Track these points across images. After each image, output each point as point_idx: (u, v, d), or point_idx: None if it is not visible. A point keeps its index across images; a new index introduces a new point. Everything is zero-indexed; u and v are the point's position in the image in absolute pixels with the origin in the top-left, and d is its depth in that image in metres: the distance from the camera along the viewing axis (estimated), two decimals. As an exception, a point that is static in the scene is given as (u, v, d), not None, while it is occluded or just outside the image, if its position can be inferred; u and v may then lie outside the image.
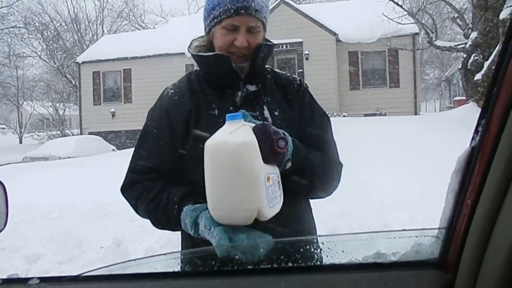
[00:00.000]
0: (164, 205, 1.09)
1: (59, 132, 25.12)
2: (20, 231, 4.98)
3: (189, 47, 1.30)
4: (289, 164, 1.01)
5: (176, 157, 1.19)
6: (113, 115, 19.54)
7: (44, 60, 30.28)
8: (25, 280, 0.68)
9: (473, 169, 0.54)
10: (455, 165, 0.57)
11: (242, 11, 1.13)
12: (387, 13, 13.63)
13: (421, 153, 7.36)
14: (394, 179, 6.16)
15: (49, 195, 7.05)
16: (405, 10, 14.10)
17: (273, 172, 0.94)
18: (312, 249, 0.78)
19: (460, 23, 13.95)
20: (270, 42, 1.26)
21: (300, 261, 0.73)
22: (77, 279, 0.68)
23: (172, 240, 4.24)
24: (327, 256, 0.72)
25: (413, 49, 15.95)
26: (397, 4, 13.63)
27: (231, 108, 1.19)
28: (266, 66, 1.31)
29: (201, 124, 1.16)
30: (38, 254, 4.30)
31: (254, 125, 0.95)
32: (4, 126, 43.54)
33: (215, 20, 1.18)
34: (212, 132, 0.95)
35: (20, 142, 33.12)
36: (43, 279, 0.67)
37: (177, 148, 1.19)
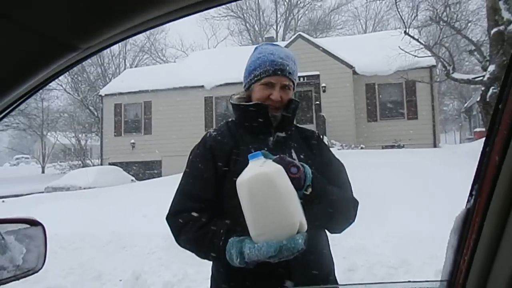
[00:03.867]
0: (210, 236, 1.22)
1: (80, 162, 25.66)
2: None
3: (230, 98, 1.55)
4: (309, 190, 1.18)
5: (217, 190, 1.35)
6: (133, 146, 19.93)
7: (69, 93, 31.33)
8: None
9: (469, 229, 0.60)
10: (453, 224, 0.63)
11: (279, 72, 1.40)
12: (404, 46, 13.78)
13: (440, 187, 7.27)
14: (412, 214, 6.09)
15: (69, 225, 7.18)
16: (422, 44, 14.22)
17: (297, 194, 1.12)
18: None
19: (478, 56, 13.95)
20: (297, 100, 1.51)
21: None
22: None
23: (189, 274, 4.28)
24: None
25: (431, 82, 15.98)
26: (413, 38, 13.77)
27: (266, 149, 1.35)
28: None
29: (240, 162, 1.32)
30: (59, 286, 4.38)
31: (273, 158, 1.14)
32: (28, 156, 44.72)
33: (256, 78, 1.44)
34: None
35: (43, 171, 33.84)
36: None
37: (219, 182, 1.36)
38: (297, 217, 1.03)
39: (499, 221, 0.55)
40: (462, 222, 0.62)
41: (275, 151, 1.35)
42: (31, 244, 1.12)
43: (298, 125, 1.60)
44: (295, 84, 1.49)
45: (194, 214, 1.31)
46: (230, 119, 1.57)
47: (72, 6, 0.46)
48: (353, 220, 1.40)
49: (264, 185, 1.03)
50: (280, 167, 1.08)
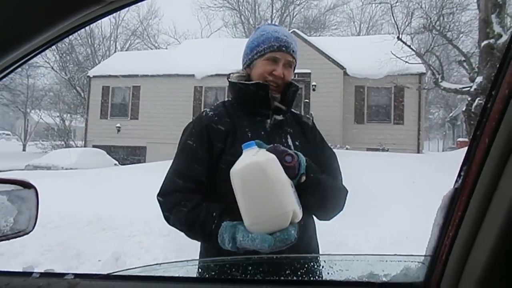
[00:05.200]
0: (203, 218, 1.20)
1: (63, 142, 25.32)
2: (19, 238, 5.03)
3: (228, 77, 1.51)
4: (303, 178, 1.17)
5: (211, 171, 1.33)
6: (118, 130, 19.73)
7: (56, 71, 30.78)
8: (61, 275, 0.77)
9: (455, 207, 0.64)
10: (440, 202, 0.67)
11: (284, 48, 1.40)
12: (395, 51, 13.94)
13: (422, 191, 7.41)
14: (393, 215, 6.21)
15: (49, 204, 7.09)
16: (413, 50, 14.40)
17: (291, 182, 1.13)
18: (315, 266, 0.89)
19: (467, 66, 14.20)
20: (297, 84, 1.49)
21: (303, 275, 0.83)
22: (108, 277, 0.77)
23: (169, 258, 4.29)
24: (328, 273, 0.82)
25: (419, 88, 16.21)
26: (405, 44, 13.94)
27: (262, 133, 1.38)
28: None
29: (237, 145, 1.30)
30: (36, 262, 4.35)
31: (267, 147, 1.14)
32: (9, 133, 43.89)
33: (258, 54, 1.42)
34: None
35: (24, 149, 33.31)
36: (77, 275, 0.77)
37: (213, 162, 1.34)
38: (290, 206, 1.03)
39: (484, 198, 0.59)
40: (449, 201, 0.66)
41: (272, 134, 1.38)
42: (23, 206, 1.12)
43: (292, 110, 1.57)
44: (296, 64, 1.48)
45: (187, 194, 1.29)
46: (226, 99, 1.54)
47: None
48: (342, 209, 1.40)
49: (257, 175, 1.03)
50: (273, 156, 1.08)
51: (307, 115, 1.63)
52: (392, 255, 0.75)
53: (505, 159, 0.57)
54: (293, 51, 1.42)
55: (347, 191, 1.43)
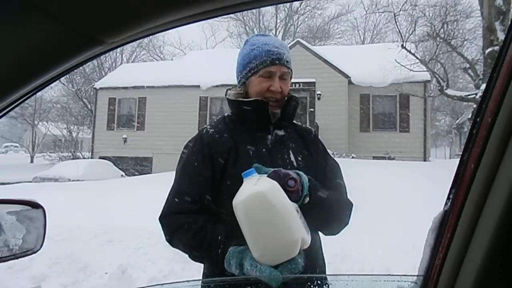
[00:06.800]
0: (208, 242, 1.18)
1: (70, 154, 25.49)
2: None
3: (226, 94, 1.49)
4: (307, 199, 1.15)
5: (215, 189, 1.31)
6: (124, 141, 19.87)
7: (63, 84, 31.07)
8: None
9: (445, 229, 0.67)
10: (431, 224, 0.70)
11: (277, 61, 1.36)
12: (400, 59, 13.97)
13: (428, 199, 7.38)
14: (399, 225, 6.18)
15: (57, 216, 7.14)
16: (418, 58, 14.42)
17: (297, 206, 1.09)
18: (312, 286, 0.90)
19: (472, 73, 14.19)
20: (297, 97, 1.46)
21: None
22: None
23: (175, 270, 4.31)
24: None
25: (424, 96, 16.19)
26: (410, 52, 13.97)
27: (264, 150, 1.36)
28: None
29: (239, 163, 1.30)
30: (44, 275, 4.38)
31: (267, 173, 1.11)
32: (17, 145, 44.28)
33: (252, 71, 1.38)
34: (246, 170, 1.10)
35: (32, 161, 33.56)
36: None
37: (216, 180, 1.32)
38: (298, 233, 0.99)
39: (471, 222, 0.61)
40: (439, 223, 0.69)
41: (274, 151, 1.36)
42: (31, 226, 1.16)
43: (295, 122, 1.54)
44: (292, 73, 1.44)
45: (190, 216, 1.27)
46: (226, 114, 1.51)
47: (100, 1, 0.52)
48: (348, 223, 1.36)
49: (261, 205, 0.98)
50: (275, 183, 1.04)
51: (309, 127, 1.58)
52: (385, 275, 0.77)
53: (489, 184, 0.59)
54: (286, 61, 1.38)
55: (352, 205, 1.39)
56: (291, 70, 1.42)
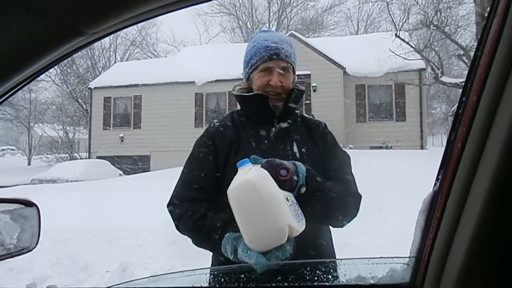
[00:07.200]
0: (207, 228, 1.25)
1: (67, 155, 25.45)
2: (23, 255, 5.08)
3: (232, 89, 1.55)
4: (303, 189, 1.17)
5: (216, 181, 1.38)
6: (121, 140, 19.82)
7: (57, 85, 30.97)
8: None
9: (434, 209, 0.67)
10: (421, 205, 0.70)
11: (274, 57, 1.40)
12: (394, 49, 13.94)
13: (426, 187, 7.40)
14: (398, 213, 6.21)
15: (56, 217, 7.15)
16: (412, 47, 14.40)
17: (290, 195, 1.12)
18: (305, 271, 0.91)
19: (466, 60, 14.18)
20: (302, 88, 1.49)
21: (294, 282, 0.85)
22: (108, 291, 0.80)
23: (176, 267, 4.32)
24: (315, 277, 0.84)
25: (420, 84, 16.18)
26: (404, 40, 13.94)
27: (266, 141, 1.41)
28: (296, 111, 1.53)
29: (240, 154, 1.36)
30: (45, 276, 4.39)
31: (262, 163, 1.14)
32: (14, 148, 44.14)
33: (253, 67, 1.45)
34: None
35: (29, 163, 33.47)
36: (78, 290, 0.80)
37: (219, 172, 1.39)
38: (285, 221, 1.01)
39: (459, 201, 0.62)
40: (429, 204, 0.69)
41: (276, 143, 1.40)
42: (25, 224, 1.16)
43: (305, 115, 1.59)
44: (295, 66, 1.48)
45: (194, 204, 1.34)
46: (236, 109, 1.58)
47: None
48: (355, 215, 1.38)
49: (248, 193, 1.03)
50: (264, 172, 1.08)
51: (319, 119, 1.61)
52: (378, 257, 0.77)
53: (476, 163, 0.59)
54: (286, 55, 1.42)
55: (360, 197, 1.40)
56: (293, 64, 1.45)
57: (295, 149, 1.41)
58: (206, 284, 0.98)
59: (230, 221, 1.18)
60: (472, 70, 0.61)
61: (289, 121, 1.47)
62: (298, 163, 1.20)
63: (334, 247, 1.49)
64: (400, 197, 6.93)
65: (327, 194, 1.23)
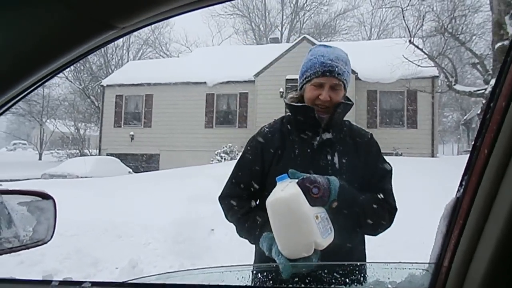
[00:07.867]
0: (250, 224, 1.44)
1: (78, 151, 25.66)
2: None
3: (285, 97, 1.65)
4: (335, 204, 1.26)
5: (262, 180, 1.52)
6: (132, 138, 19.96)
7: (70, 81, 31.24)
8: (79, 283, 0.81)
9: (457, 215, 0.66)
10: (443, 211, 0.69)
11: (328, 73, 1.47)
12: (407, 55, 13.85)
13: (436, 196, 7.33)
14: (408, 221, 6.14)
15: (66, 213, 7.20)
16: (425, 54, 14.30)
17: (321, 211, 1.23)
18: (323, 274, 0.91)
19: (480, 69, 14.03)
20: (351, 101, 1.56)
21: (312, 284, 0.85)
22: (124, 285, 0.80)
23: (186, 265, 4.33)
24: (334, 280, 0.84)
25: (432, 92, 16.05)
26: (417, 47, 13.86)
27: (309, 150, 1.48)
28: (345, 119, 1.60)
29: (283, 161, 1.48)
30: (55, 270, 4.43)
31: (298, 179, 1.24)
32: (26, 142, 44.68)
33: (306, 80, 1.52)
34: (288, 168, 1.31)
35: (40, 158, 33.81)
36: (94, 283, 0.80)
37: (264, 173, 1.52)
38: (312, 238, 1.14)
39: (483, 209, 0.61)
40: (452, 210, 0.68)
41: (318, 153, 1.47)
42: (41, 216, 1.17)
43: (353, 124, 1.65)
44: (347, 84, 1.54)
45: (239, 200, 1.52)
46: (287, 114, 1.65)
47: None
48: (388, 226, 1.47)
49: (282, 209, 1.18)
50: (298, 191, 1.18)
51: (367, 131, 1.66)
52: (397, 262, 0.77)
53: (503, 169, 0.58)
54: (338, 73, 1.47)
55: (394, 209, 1.48)
56: (344, 82, 1.51)
57: (336, 159, 1.48)
58: (216, 283, 0.98)
59: (269, 221, 1.31)
60: (501, 75, 0.61)
61: (334, 132, 1.53)
62: (332, 178, 1.29)
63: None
64: (410, 205, 6.86)
65: (359, 208, 1.34)
